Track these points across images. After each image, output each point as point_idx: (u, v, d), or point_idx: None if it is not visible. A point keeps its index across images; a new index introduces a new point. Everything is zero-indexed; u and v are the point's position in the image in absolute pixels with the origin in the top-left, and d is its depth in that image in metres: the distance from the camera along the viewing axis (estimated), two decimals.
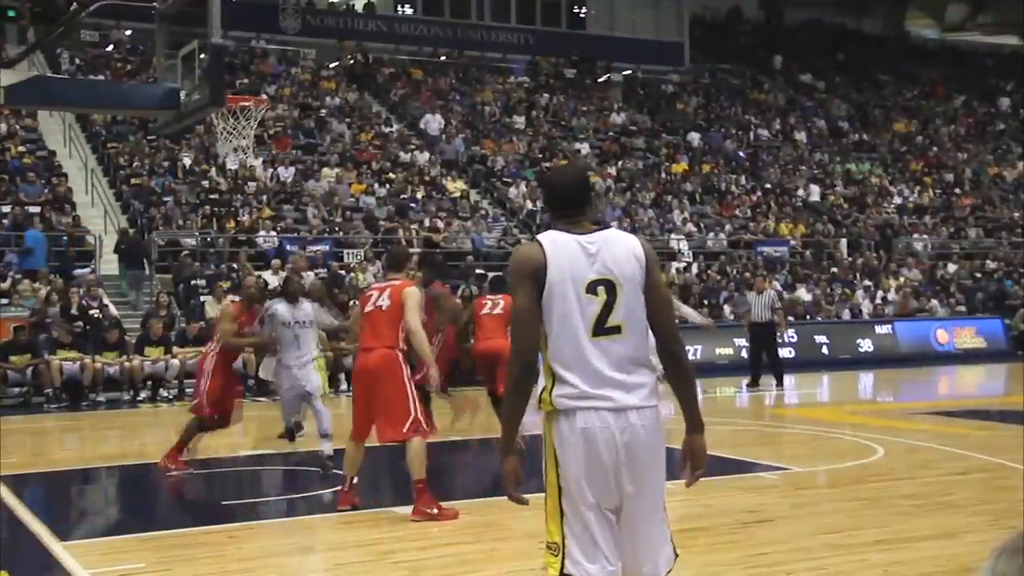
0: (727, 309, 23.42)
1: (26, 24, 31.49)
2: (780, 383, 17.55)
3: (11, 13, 33.86)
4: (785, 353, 22.06)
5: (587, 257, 3.58)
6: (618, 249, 3.62)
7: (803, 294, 24.78)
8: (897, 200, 32.53)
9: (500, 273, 18.08)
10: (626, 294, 3.59)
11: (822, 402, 18.13)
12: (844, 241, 29.29)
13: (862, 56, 43.16)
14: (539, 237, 3.67)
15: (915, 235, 30.57)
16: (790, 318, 23.13)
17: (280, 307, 9.77)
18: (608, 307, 3.57)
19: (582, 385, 3.53)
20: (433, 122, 29.72)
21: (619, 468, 3.51)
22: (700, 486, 3.83)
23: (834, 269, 27.04)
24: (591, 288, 3.57)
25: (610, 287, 3.57)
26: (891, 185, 33.51)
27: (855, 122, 38.16)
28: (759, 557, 6.31)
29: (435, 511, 7.36)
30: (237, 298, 12.29)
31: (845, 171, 33.85)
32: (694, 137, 33.30)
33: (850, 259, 28.11)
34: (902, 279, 26.89)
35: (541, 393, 3.60)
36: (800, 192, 31.68)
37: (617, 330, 3.57)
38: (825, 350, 23.28)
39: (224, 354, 9.63)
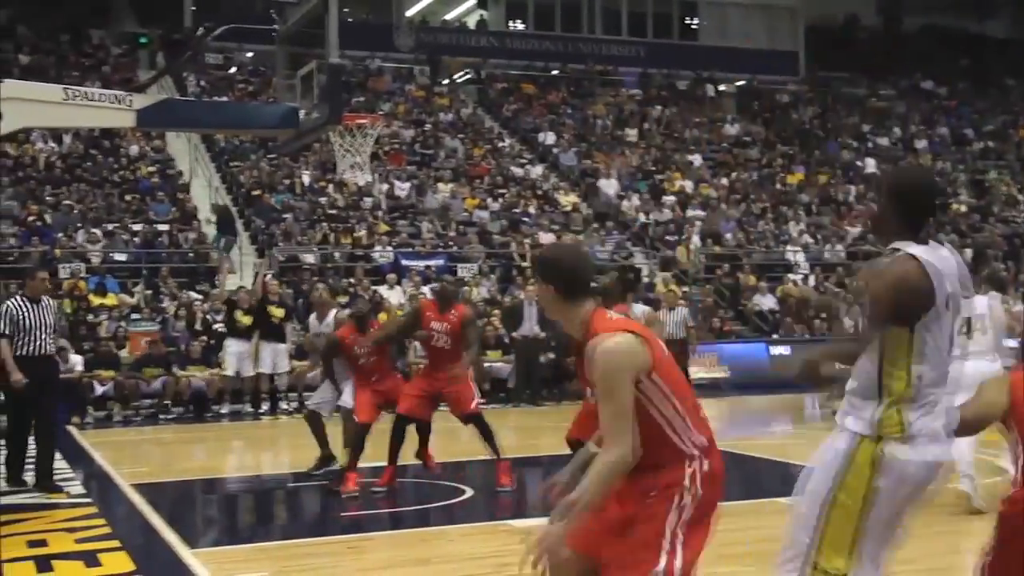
0: (847, 322, 22.91)
1: (156, 50, 32.64)
2: None
3: (143, 40, 34.84)
4: None
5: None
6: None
7: None
8: None
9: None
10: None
11: None
12: (968, 252, 28.35)
13: (986, 61, 41.81)
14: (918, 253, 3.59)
15: None
16: None
17: None
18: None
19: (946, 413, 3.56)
20: (546, 136, 29.87)
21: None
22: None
23: None
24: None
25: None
26: (1019, 194, 32.36)
27: (980, 129, 36.99)
28: None
29: None
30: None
31: (970, 180, 32.83)
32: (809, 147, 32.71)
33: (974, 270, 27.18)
34: None
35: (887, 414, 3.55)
36: None
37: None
38: None
39: None
